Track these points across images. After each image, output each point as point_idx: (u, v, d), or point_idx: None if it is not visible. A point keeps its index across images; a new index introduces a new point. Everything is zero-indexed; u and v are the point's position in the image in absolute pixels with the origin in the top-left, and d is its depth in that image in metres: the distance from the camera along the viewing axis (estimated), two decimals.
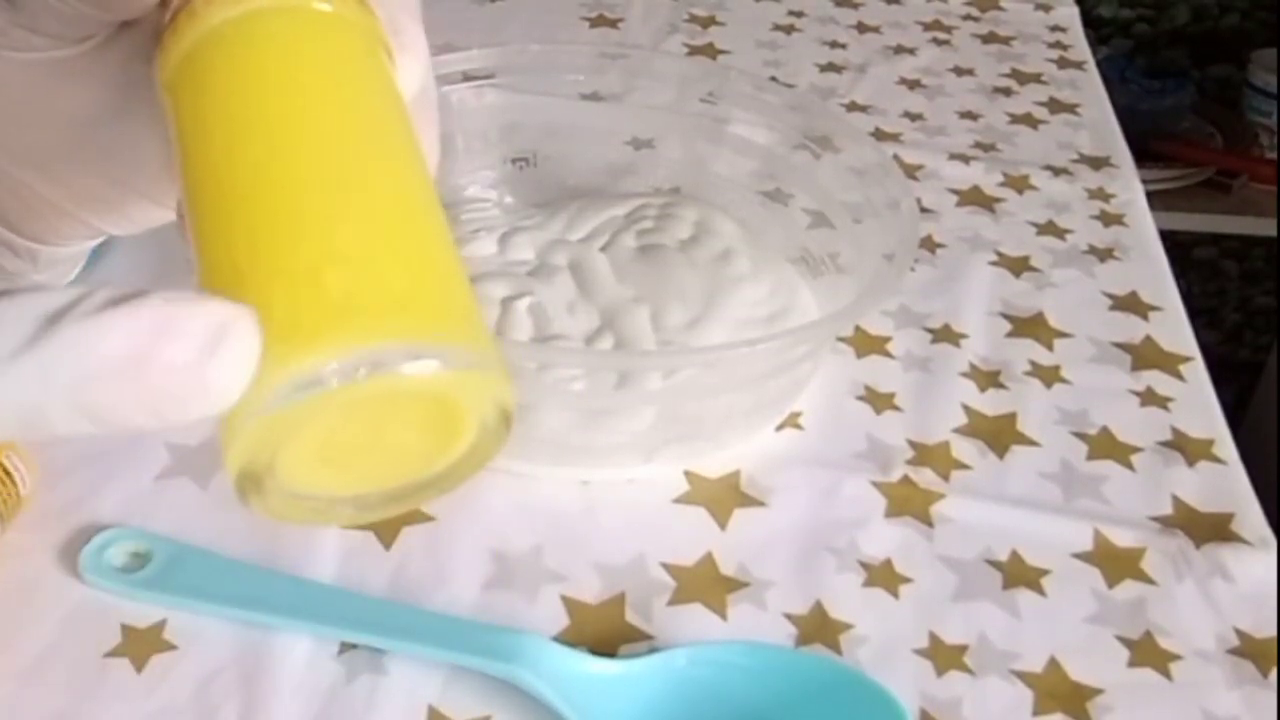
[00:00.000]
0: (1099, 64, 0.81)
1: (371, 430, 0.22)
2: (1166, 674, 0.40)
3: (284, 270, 0.21)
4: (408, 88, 0.26)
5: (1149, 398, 0.51)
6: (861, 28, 0.82)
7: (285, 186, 0.22)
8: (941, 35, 0.82)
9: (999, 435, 0.49)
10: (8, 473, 0.41)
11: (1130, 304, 0.57)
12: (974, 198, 0.65)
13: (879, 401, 0.50)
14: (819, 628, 0.41)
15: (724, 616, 0.41)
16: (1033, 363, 0.53)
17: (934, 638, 0.41)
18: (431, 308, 0.22)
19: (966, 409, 0.50)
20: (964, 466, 0.47)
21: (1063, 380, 0.52)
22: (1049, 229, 0.62)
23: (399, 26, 0.26)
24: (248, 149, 0.23)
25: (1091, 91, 0.76)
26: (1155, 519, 0.46)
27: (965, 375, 0.52)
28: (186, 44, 0.24)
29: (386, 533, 0.43)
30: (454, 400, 0.22)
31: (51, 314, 0.19)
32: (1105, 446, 0.49)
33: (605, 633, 0.40)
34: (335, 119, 0.24)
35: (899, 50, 0.80)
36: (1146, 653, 0.41)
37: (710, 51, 0.78)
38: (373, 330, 0.20)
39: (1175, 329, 0.56)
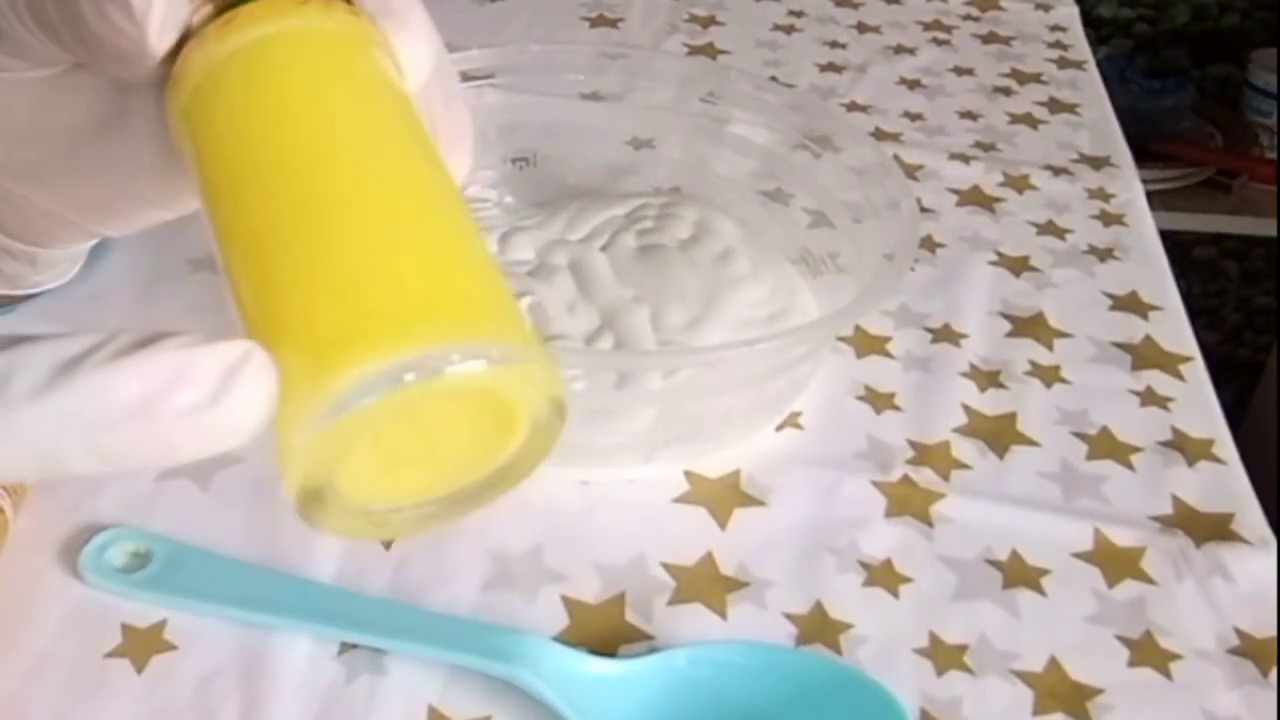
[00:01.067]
0: (1099, 64, 0.81)
1: (426, 436, 0.23)
2: (1166, 674, 0.40)
3: (319, 288, 0.21)
4: (416, 70, 0.26)
5: (1149, 398, 0.51)
6: (861, 28, 0.82)
7: (309, 207, 0.22)
8: (941, 35, 0.82)
9: (999, 435, 0.49)
10: None
11: (1130, 304, 0.57)
12: (974, 198, 0.65)
13: (879, 401, 0.50)
14: (819, 627, 0.41)
15: (724, 616, 0.41)
16: (1033, 363, 0.53)
17: (934, 637, 0.41)
18: (470, 308, 0.22)
19: (966, 409, 0.50)
20: (964, 466, 0.47)
21: (1063, 380, 0.52)
22: (1049, 229, 0.62)
23: (393, 8, 0.26)
24: (267, 175, 0.23)
25: (1091, 91, 0.76)
26: (1155, 519, 0.46)
27: (965, 375, 0.52)
28: (193, 79, 0.24)
29: None
30: (503, 397, 0.22)
31: (68, 360, 0.20)
32: (1105, 446, 0.49)
33: (605, 633, 0.40)
34: (345, 134, 0.24)
35: (899, 50, 0.80)
36: (1146, 652, 0.41)
37: (710, 51, 0.78)
38: (415, 337, 0.20)
39: (1175, 329, 0.56)
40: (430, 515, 0.24)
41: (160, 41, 0.24)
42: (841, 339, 0.53)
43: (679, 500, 0.45)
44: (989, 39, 0.82)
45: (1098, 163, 0.68)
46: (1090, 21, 1.45)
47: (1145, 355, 0.54)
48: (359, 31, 0.25)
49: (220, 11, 0.24)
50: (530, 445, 0.23)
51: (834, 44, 0.80)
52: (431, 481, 0.23)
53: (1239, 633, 0.41)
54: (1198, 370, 0.53)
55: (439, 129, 0.26)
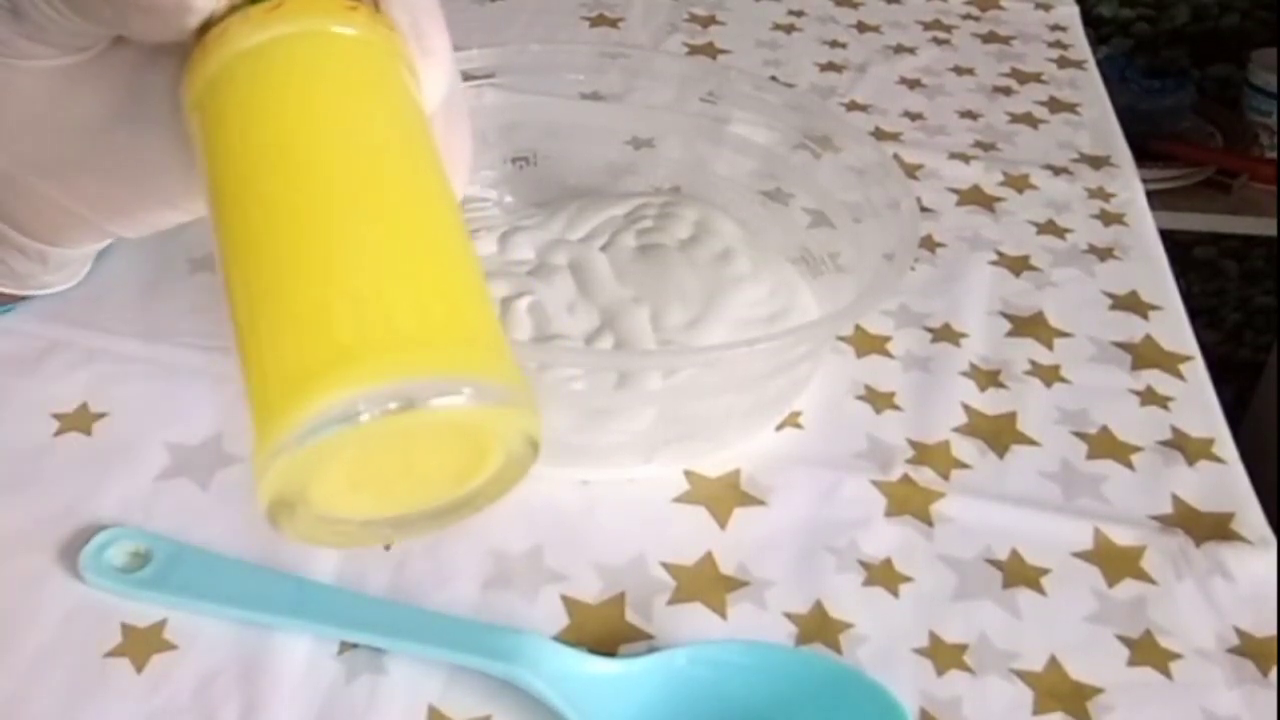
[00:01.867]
0: (1099, 64, 0.81)
1: (402, 456, 0.22)
2: (1166, 673, 0.40)
3: (306, 307, 0.21)
4: (433, 94, 0.26)
5: (1149, 397, 0.51)
6: (861, 27, 0.82)
7: (310, 220, 0.22)
8: (941, 35, 0.82)
9: (999, 435, 0.49)
10: None
11: (1130, 303, 0.57)
12: (974, 197, 0.65)
13: (879, 401, 0.50)
14: (819, 627, 0.41)
15: (724, 616, 0.41)
16: (1033, 362, 0.53)
17: (934, 637, 0.41)
18: (460, 341, 0.21)
19: (966, 408, 0.50)
20: (964, 466, 0.47)
21: (1063, 380, 0.52)
22: (1049, 228, 0.62)
23: (422, 30, 0.26)
24: (270, 181, 0.23)
25: (1091, 91, 0.76)
26: (1155, 518, 0.46)
27: (965, 375, 0.52)
28: (210, 69, 0.24)
29: None
30: (482, 430, 0.22)
31: None
32: (1105, 446, 0.49)
33: (605, 632, 0.40)
34: (356, 150, 0.23)
35: (899, 50, 0.80)
36: (1146, 652, 0.41)
37: (710, 51, 0.78)
38: (402, 365, 0.20)
39: (1175, 328, 0.56)
40: (401, 529, 0.24)
41: None
42: (841, 339, 0.53)
43: (679, 500, 0.45)
44: (989, 38, 0.82)
45: (1098, 162, 0.68)
46: (1090, 21, 1.45)
47: (1145, 355, 0.54)
48: (393, 46, 0.25)
49: None
50: (501, 475, 0.23)
51: (834, 44, 0.80)
52: (401, 498, 0.23)
53: (1239, 632, 0.41)
54: (1198, 370, 0.53)
55: (442, 151, 0.26)
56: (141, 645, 0.39)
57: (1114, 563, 0.44)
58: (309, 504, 0.22)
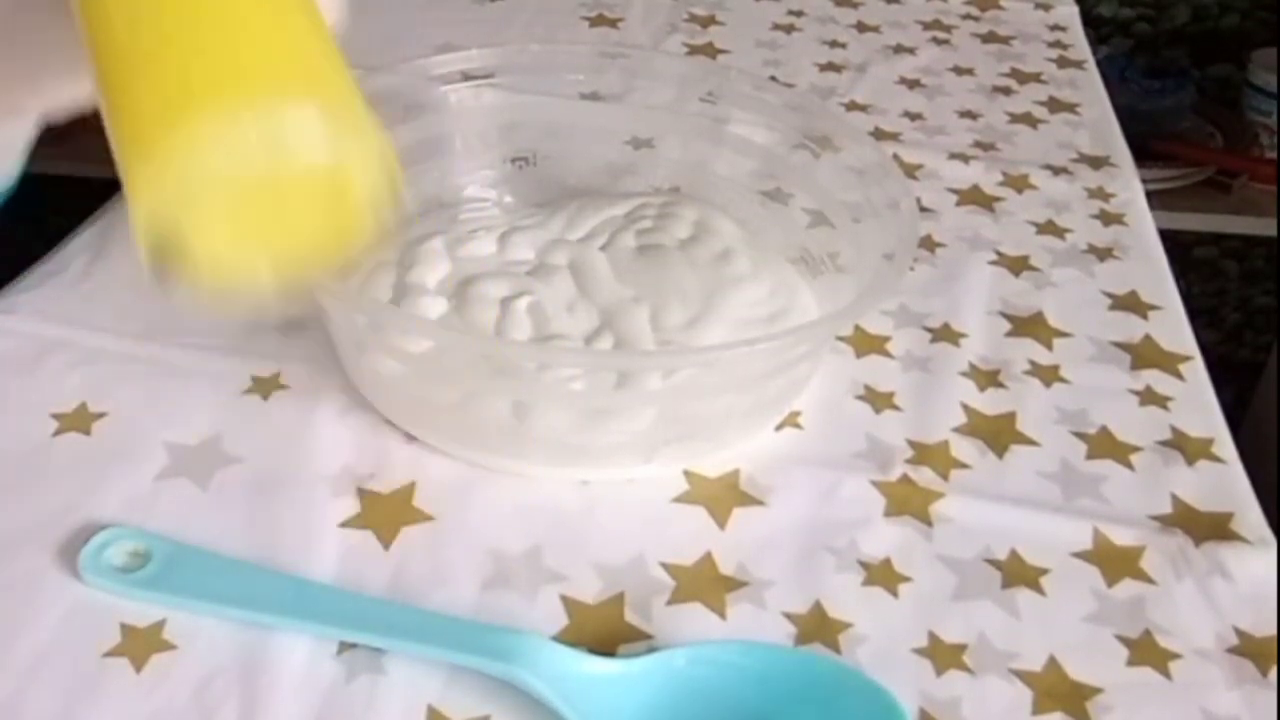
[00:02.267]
0: (1099, 64, 0.81)
1: (270, 200, 0.25)
2: (1166, 673, 0.40)
3: (163, 62, 0.24)
4: None
5: (1148, 397, 0.51)
6: (861, 27, 0.82)
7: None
8: (941, 35, 0.82)
9: (998, 435, 0.49)
10: None
11: (1130, 303, 0.57)
12: (973, 197, 0.65)
13: (878, 401, 0.50)
14: (818, 627, 0.41)
15: (723, 616, 0.41)
16: (1032, 362, 0.53)
17: (933, 637, 0.41)
18: (304, 75, 0.25)
19: (966, 408, 0.50)
20: (963, 466, 0.47)
21: (1062, 380, 0.52)
22: (1049, 228, 0.62)
23: None
24: None
25: (1091, 91, 0.76)
26: (1155, 518, 0.46)
27: (965, 375, 0.52)
28: None
29: (386, 532, 0.43)
30: (337, 158, 0.25)
31: None
32: (1105, 446, 0.49)
33: (604, 632, 0.40)
34: None
35: (899, 50, 0.80)
36: (1146, 652, 0.41)
37: (710, 51, 0.78)
38: (255, 93, 0.23)
39: (1175, 328, 0.56)
40: (281, 282, 0.27)
41: None
42: (841, 339, 0.53)
43: (679, 500, 0.45)
44: (989, 38, 0.82)
45: (1097, 162, 0.68)
46: (1090, 21, 1.45)
47: (1145, 355, 0.54)
48: None
49: None
50: (369, 205, 0.26)
51: (834, 44, 0.80)
52: (280, 249, 0.26)
53: (1238, 632, 0.41)
54: (1197, 370, 0.53)
55: None
56: (141, 645, 0.39)
57: (1113, 563, 0.44)
58: (190, 256, 0.25)
